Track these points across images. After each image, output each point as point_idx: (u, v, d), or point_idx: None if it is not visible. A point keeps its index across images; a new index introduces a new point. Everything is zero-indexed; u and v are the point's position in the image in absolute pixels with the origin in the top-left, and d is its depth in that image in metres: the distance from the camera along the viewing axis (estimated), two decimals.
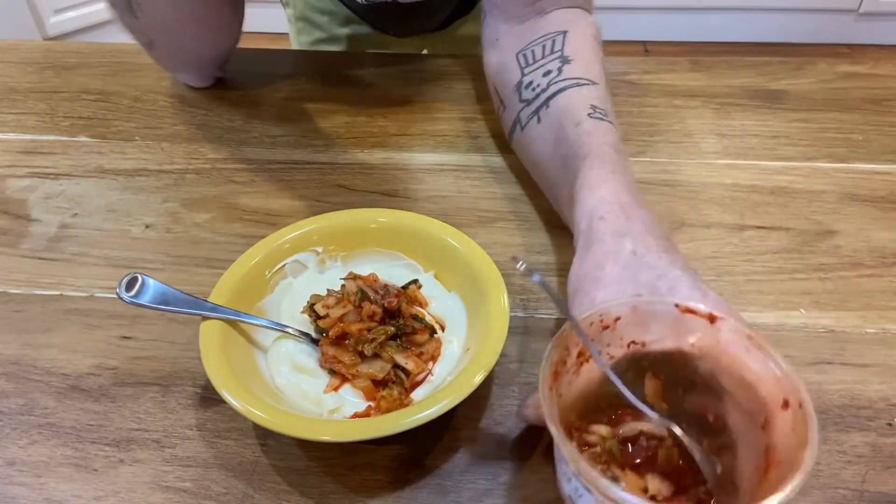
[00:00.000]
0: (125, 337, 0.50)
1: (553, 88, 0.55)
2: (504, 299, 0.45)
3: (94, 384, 0.47)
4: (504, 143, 0.68)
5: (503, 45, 0.63)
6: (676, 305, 0.38)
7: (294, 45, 0.99)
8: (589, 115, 0.52)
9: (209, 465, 0.43)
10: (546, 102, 0.55)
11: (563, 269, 0.52)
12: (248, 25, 0.75)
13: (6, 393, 0.47)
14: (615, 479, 0.37)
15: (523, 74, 0.59)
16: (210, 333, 0.44)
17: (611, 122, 0.52)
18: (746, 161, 0.65)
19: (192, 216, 0.61)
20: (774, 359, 0.35)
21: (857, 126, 0.69)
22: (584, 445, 0.40)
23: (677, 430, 0.37)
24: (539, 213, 0.60)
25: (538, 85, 0.57)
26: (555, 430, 0.32)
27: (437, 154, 0.67)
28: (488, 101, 0.73)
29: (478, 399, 0.46)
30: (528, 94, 0.58)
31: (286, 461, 0.43)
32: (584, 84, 0.55)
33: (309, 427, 0.40)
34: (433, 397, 0.40)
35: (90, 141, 0.69)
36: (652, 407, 0.39)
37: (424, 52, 0.99)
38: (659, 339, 0.39)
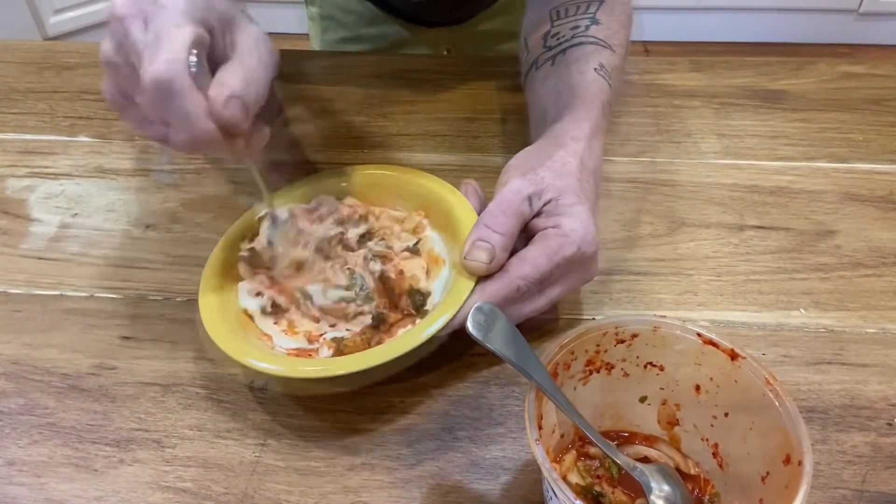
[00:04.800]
0: (125, 337, 0.50)
1: (575, 40, 0.60)
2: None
3: (94, 384, 0.47)
4: (504, 143, 0.68)
5: (539, 1, 0.67)
6: (699, 335, 0.37)
7: (316, 42, 1.00)
8: (595, 69, 0.57)
9: (209, 465, 0.43)
10: (564, 50, 0.60)
11: None
12: None
13: (6, 393, 0.47)
14: (601, 495, 0.37)
15: (552, 26, 0.63)
16: (209, 290, 0.48)
17: (610, 84, 0.57)
18: (746, 161, 0.65)
19: (192, 216, 0.61)
20: (787, 409, 0.35)
21: (857, 126, 0.69)
22: (583, 456, 0.40)
23: (646, 484, 0.37)
24: None
25: (563, 35, 0.61)
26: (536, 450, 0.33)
27: (437, 154, 0.67)
28: (488, 102, 0.73)
29: (478, 399, 0.46)
30: (551, 42, 0.62)
31: (286, 461, 0.43)
32: (603, 46, 0.59)
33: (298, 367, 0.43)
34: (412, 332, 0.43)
35: (90, 141, 0.69)
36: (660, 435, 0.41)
37: (446, 52, 0.99)
38: (676, 367, 0.39)
